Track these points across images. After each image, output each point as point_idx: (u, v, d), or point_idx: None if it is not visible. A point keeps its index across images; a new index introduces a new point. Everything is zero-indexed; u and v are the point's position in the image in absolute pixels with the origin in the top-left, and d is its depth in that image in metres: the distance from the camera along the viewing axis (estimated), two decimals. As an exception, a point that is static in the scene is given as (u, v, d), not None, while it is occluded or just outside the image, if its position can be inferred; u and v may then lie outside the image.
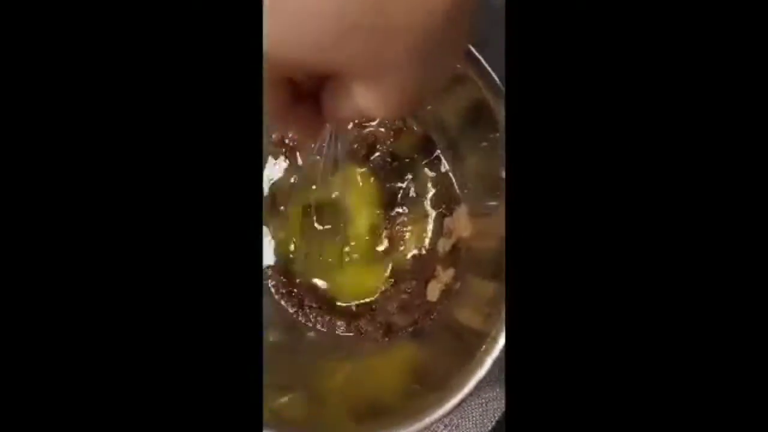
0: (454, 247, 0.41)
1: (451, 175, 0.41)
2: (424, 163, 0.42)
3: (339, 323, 0.39)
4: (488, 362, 0.31)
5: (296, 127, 0.21)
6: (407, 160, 0.41)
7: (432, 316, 0.39)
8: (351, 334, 0.39)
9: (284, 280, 0.40)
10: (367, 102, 0.17)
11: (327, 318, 0.39)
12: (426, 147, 0.41)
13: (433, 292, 0.40)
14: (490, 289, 0.36)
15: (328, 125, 0.22)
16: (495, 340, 0.31)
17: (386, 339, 0.38)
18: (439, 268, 0.41)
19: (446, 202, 0.41)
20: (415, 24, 0.15)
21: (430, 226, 0.42)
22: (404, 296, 0.40)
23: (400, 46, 0.15)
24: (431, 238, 0.41)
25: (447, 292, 0.40)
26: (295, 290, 0.40)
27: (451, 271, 0.40)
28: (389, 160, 0.41)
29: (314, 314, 0.39)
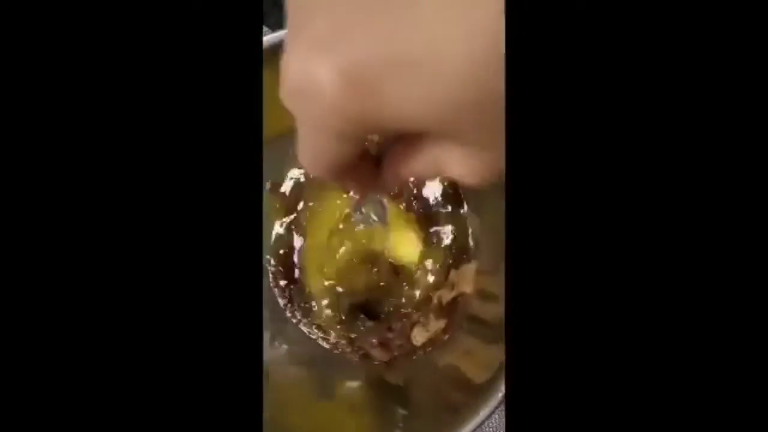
0: (454, 300, 0.40)
1: (469, 227, 0.41)
2: (448, 212, 0.42)
3: (320, 333, 0.38)
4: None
5: (354, 183, 0.20)
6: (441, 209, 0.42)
7: (413, 358, 0.38)
8: (327, 347, 0.38)
9: (281, 269, 0.39)
10: (457, 169, 0.17)
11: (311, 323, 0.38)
12: (456, 198, 0.42)
13: (418, 337, 0.40)
14: (482, 352, 0.35)
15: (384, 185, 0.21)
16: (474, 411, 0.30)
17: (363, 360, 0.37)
18: (431, 316, 0.40)
19: (457, 255, 0.41)
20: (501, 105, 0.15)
21: (434, 275, 0.41)
22: (387, 333, 0.39)
23: (500, 119, 0.15)
24: (433, 286, 0.41)
25: (433, 341, 0.39)
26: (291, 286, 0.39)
27: (441, 323, 0.40)
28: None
29: (299, 314, 0.38)
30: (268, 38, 0.31)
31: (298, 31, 0.15)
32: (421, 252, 0.41)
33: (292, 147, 0.18)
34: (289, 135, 0.18)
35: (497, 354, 0.32)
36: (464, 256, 0.41)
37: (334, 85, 0.14)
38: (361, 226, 0.38)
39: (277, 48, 0.29)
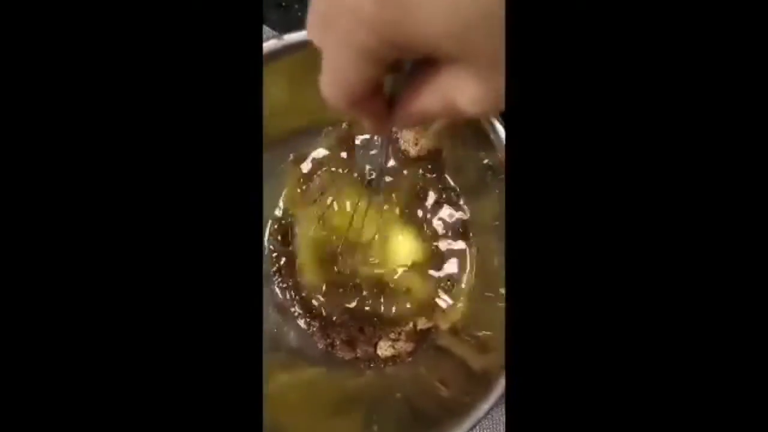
0: (427, 330, 0.42)
1: (468, 266, 0.43)
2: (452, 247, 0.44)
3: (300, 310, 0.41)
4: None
5: (368, 116, 0.21)
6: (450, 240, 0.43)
7: (370, 366, 0.40)
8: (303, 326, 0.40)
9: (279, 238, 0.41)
10: (467, 95, 0.18)
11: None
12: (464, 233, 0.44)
13: (383, 349, 0.41)
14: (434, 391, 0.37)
15: (392, 126, 0.22)
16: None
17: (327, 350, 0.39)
18: (403, 336, 0.42)
19: (448, 289, 0.43)
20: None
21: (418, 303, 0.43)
22: (357, 334, 0.41)
23: (500, 44, 0.16)
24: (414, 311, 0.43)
25: (396, 358, 0.41)
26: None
27: (409, 346, 0.41)
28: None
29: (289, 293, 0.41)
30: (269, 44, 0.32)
31: None
32: (413, 256, 0.42)
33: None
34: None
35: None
36: (453, 292, 0.42)
37: None
38: (367, 168, 0.40)
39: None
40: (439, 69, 0.18)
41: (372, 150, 0.41)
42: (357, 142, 0.42)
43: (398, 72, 0.20)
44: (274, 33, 0.34)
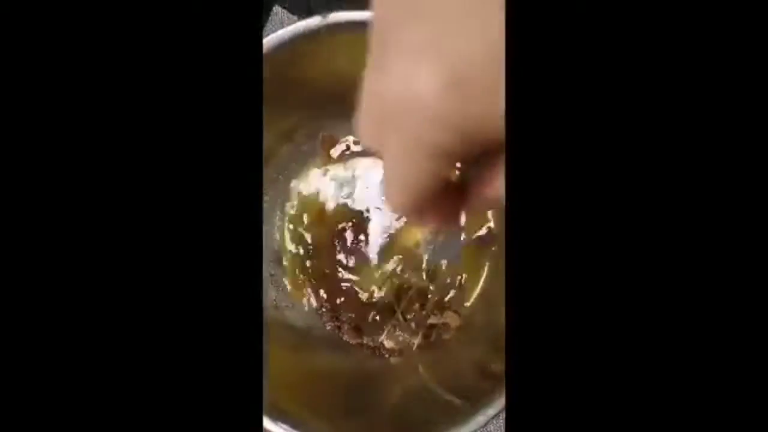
0: (436, 326, 0.42)
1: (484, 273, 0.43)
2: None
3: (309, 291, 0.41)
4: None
5: (438, 214, 0.19)
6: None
7: (375, 354, 0.40)
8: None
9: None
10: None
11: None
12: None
13: (387, 341, 0.42)
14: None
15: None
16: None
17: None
18: (411, 328, 0.42)
19: (463, 294, 0.42)
20: None
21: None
22: (364, 321, 0.41)
23: None
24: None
25: (401, 352, 0.41)
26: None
27: (416, 339, 0.41)
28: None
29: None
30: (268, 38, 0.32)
31: (386, 45, 0.15)
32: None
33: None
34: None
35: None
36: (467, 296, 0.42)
37: (439, 91, 0.14)
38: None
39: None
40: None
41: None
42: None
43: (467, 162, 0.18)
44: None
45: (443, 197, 0.18)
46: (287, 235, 0.43)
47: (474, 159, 0.17)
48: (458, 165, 0.18)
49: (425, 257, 0.42)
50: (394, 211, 0.18)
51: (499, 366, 0.32)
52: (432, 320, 0.41)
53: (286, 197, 0.43)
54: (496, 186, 0.18)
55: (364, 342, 0.41)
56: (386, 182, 0.17)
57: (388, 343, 0.41)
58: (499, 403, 0.29)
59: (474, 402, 0.30)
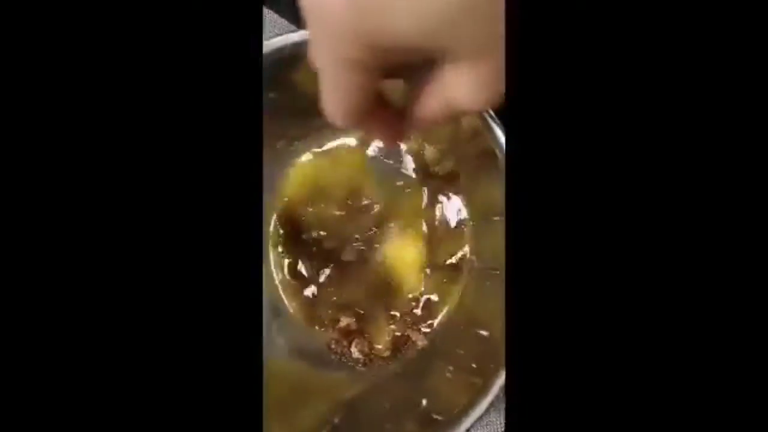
0: (407, 338, 0.42)
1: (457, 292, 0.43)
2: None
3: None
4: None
5: (377, 129, 0.21)
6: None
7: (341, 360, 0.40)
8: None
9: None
10: (463, 91, 0.18)
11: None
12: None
13: (355, 350, 0.42)
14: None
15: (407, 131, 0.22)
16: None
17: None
18: (384, 341, 0.42)
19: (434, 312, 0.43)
20: (500, 11, 0.15)
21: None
22: (341, 323, 0.42)
23: (497, 33, 0.15)
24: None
25: (371, 362, 0.41)
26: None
27: (386, 352, 0.42)
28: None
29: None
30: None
31: None
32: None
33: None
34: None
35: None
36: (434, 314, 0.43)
37: (342, 5, 0.15)
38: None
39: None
40: (435, 70, 0.18)
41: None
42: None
43: (404, 80, 0.20)
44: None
45: (381, 112, 0.20)
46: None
47: (405, 74, 0.19)
48: (388, 79, 0.19)
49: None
50: (335, 122, 0.19)
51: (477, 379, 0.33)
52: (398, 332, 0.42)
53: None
54: (426, 104, 0.19)
55: (332, 347, 0.41)
56: (323, 97, 0.19)
57: (355, 352, 0.41)
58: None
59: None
